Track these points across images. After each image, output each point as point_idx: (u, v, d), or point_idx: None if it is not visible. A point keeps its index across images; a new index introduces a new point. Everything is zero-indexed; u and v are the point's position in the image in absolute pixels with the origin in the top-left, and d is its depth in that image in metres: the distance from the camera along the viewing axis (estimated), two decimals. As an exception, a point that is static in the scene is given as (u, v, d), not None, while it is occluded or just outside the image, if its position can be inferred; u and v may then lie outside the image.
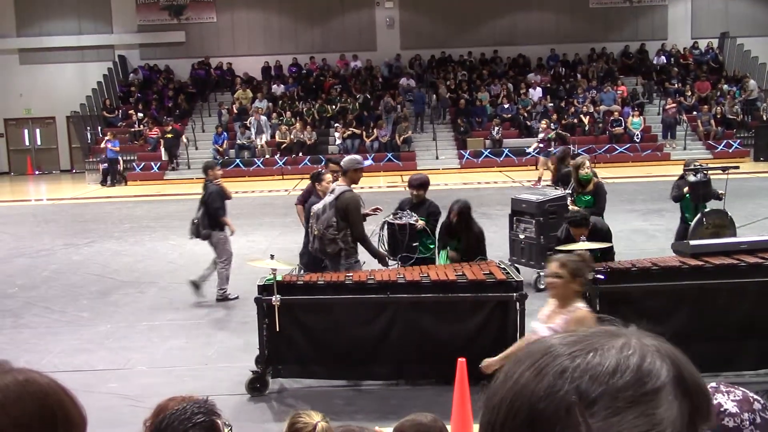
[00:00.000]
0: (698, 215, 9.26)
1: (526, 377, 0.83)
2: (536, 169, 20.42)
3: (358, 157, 7.91)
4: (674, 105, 25.49)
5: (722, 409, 1.33)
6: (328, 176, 8.16)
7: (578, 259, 4.41)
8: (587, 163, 9.18)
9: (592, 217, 7.69)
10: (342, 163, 7.61)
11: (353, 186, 7.45)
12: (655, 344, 0.86)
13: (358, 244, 7.34)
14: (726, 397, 1.34)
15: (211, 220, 9.50)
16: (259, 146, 25.19)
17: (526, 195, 10.13)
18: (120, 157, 24.28)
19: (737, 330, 6.42)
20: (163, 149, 25.09)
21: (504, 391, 0.84)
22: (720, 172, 9.94)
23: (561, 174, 10.79)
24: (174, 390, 4.07)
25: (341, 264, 7.26)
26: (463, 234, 7.82)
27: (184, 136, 25.44)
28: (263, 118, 25.56)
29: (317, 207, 7.46)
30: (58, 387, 1.05)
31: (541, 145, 20.64)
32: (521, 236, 9.65)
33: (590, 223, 7.25)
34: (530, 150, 21.74)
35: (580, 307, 4.23)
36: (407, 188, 8.00)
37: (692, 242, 6.96)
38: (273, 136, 25.44)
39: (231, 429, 2.45)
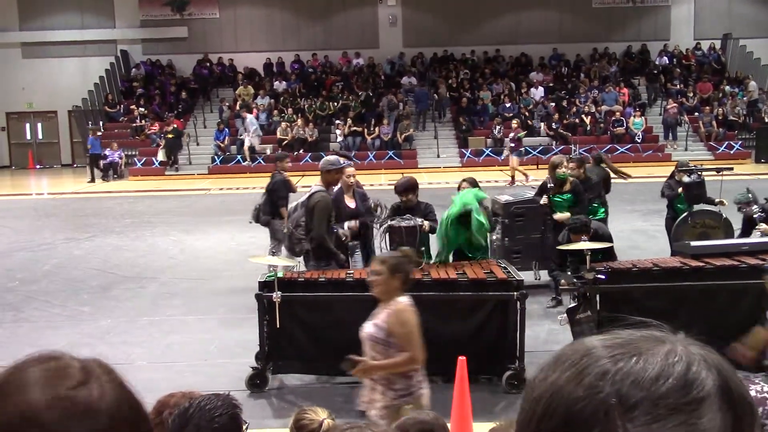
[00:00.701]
0: (684, 213, 9.29)
1: (565, 377, 0.81)
2: (516, 169, 20.35)
3: (333, 158, 7.76)
4: (675, 105, 25.47)
5: None
6: (350, 169, 7.97)
7: (399, 255, 4.50)
8: (565, 162, 9.09)
9: (594, 222, 7.69)
10: (319, 166, 7.58)
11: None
12: (702, 353, 0.84)
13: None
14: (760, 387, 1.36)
15: (272, 208, 9.75)
16: (246, 147, 24.13)
17: (502, 196, 10.12)
18: (106, 154, 24.20)
19: (737, 331, 6.42)
20: (161, 150, 24.38)
21: (542, 390, 0.83)
22: (714, 173, 10.04)
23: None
24: (174, 385, 4.07)
25: (310, 264, 7.26)
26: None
27: (185, 134, 25.32)
28: (249, 117, 24.55)
29: (291, 205, 7.50)
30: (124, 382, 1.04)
31: (512, 145, 20.58)
32: (494, 237, 9.63)
33: (591, 230, 7.25)
34: (504, 153, 21.70)
35: (401, 302, 4.29)
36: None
37: (693, 243, 6.97)
38: (274, 132, 25.38)
39: (248, 426, 2.51)
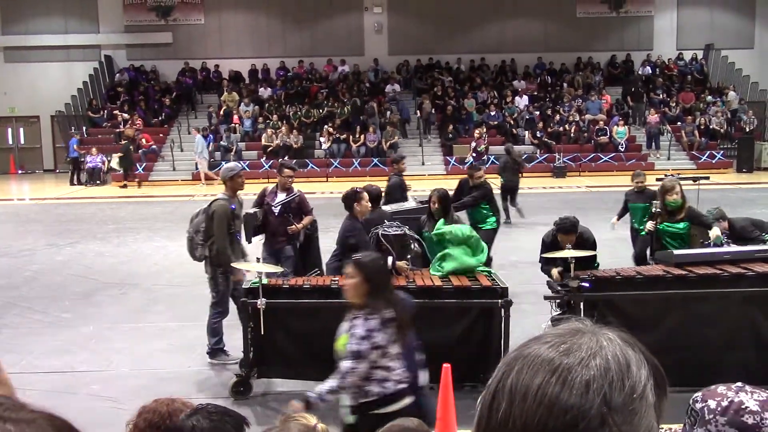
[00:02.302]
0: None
1: (550, 395, 0.81)
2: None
3: (232, 164, 7.92)
4: (657, 115, 25.68)
5: (743, 407, 1.35)
6: (366, 194, 7.81)
7: None
8: (677, 188, 7.48)
9: (581, 226, 7.69)
10: (220, 175, 7.68)
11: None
12: (619, 335, 0.88)
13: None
14: (749, 396, 1.36)
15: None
16: (199, 171, 23.25)
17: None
18: (83, 158, 23.99)
19: (720, 340, 6.46)
20: (116, 163, 23.51)
21: (525, 414, 0.81)
22: (691, 182, 10.19)
23: None
24: (157, 392, 4.05)
25: (207, 270, 7.35)
26: (445, 219, 7.65)
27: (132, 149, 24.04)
28: (198, 137, 23.47)
29: (196, 210, 7.58)
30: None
31: (474, 155, 20.68)
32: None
33: (578, 231, 7.26)
34: (467, 160, 21.90)
35: None
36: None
37: (676, 252, 7.00)
38: (259, 138, 25.31)
39: None
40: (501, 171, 15.53)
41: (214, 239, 7.24)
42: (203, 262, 7.43)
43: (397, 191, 10.15)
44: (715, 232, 7.41)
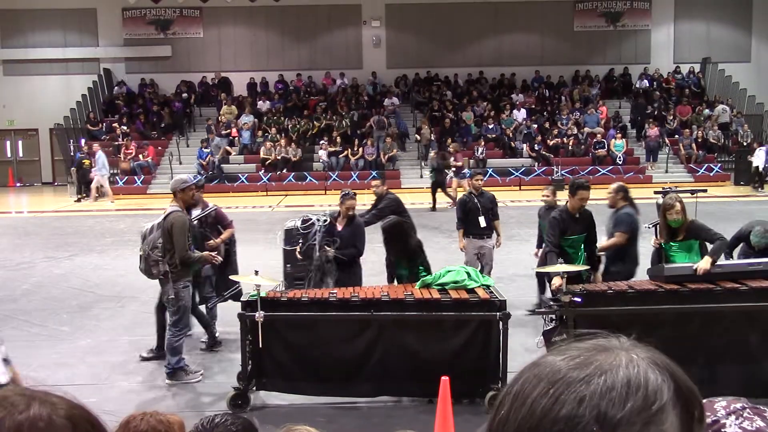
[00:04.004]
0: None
1: (543, 406, 0.81)
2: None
3: (183, 176, 7.77)
4: (656, 128, 25.74)
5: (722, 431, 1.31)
6: (351, 202, 7.98)
7: None
8: (678, 206, 6.94)
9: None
10: (170, 187, 7.56)
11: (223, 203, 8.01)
12: (649, 356, 0.87)
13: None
14: (735, 421, 1.31)
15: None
16: (94, 187, 22.82)
17: (290, 221, 9.52)
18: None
19: (713, 355, 6.45)
20: (74, 176, 23.59)
21: (519, 421, 0.83)
22: (689, 195, 10.18)
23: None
24: (155, 405, 4.06)
25: (168, 287, 7.14)
26: (396, 250, 7.69)
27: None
28: (99, 152, 22.90)
29: (146, 227, 7.43)
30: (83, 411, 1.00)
31: (454, 169, 20.88)
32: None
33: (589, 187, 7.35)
34: (449, 173, 22.06)
35: None
36: None
37: (667, 266, 6.94)
38: (257, 152, 25.34)
39: None
40: (431, 170, 19.71)
41: (174, 252, 7.00)
42: (161, 279, 7.19)
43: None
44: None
